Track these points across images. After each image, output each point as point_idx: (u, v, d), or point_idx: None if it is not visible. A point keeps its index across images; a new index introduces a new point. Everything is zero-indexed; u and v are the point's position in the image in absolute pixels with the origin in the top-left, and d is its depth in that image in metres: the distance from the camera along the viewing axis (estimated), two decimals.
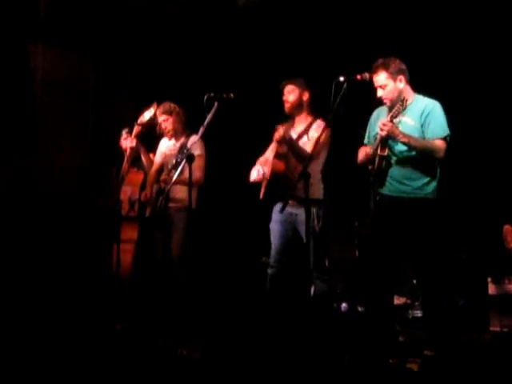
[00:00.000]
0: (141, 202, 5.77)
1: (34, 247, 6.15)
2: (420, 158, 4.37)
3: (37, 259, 6.10)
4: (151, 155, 5.94)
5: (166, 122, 5.68)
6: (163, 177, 5.39)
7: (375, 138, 4.48)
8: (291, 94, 5.25)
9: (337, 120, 4.37)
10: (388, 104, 4.47)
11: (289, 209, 4.89)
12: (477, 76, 5.91)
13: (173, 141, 5.74)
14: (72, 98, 6.68)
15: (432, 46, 5.95)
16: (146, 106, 5.73)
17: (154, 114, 5.68)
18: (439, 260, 4.44)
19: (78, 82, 6.72)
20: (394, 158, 4.44)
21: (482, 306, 5.45)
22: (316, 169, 5.04)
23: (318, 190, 5.10)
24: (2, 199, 6.17)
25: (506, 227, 5.66)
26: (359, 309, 5.73)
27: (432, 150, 4.35)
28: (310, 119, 5.27)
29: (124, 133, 5.87)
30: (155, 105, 5.68)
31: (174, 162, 4.94)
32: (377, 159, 4.41)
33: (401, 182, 4.43)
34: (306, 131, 5.21)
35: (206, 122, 4.77)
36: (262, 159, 5.34)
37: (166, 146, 5.78)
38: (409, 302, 5.71)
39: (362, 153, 4.59)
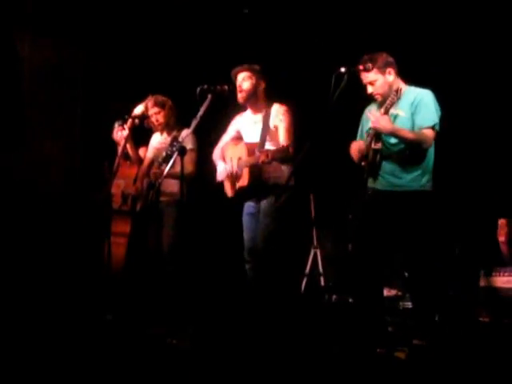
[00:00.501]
0: (133, 196, 5.77)
1: (26, 241, 6.14)
2: (412, 149, 4.36)
3: (29, 253, 6.10)
4: (141, 149, 5.96)
5: (157, 114, 5.64)
6: (154, 170, 5.36)
7: (368, 135, 4.47)
8: (246, 81, 5.05)
9: (335, 112, 4.32)
10: (380, 99, 4.45)
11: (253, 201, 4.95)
12: (471, 68, 5.90)
13: (164, 135, 5.71)
14: (61, 88, 6.61)
15: (426, 37, 5.95)
16: (140, 98, 5.73)
17: (146, 107, 5.67)
18: (433, 252, 4.45)
19: (67, 73, 6.63)
20: (386, 152, 4.42)
21: (473, 297, 5.48)
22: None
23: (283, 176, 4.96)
24: None
25: (501, 221, 5.68)
26: (350, 300, 5.76)
27: (420, 140, 4.32)
28: (266, 106, 5.10)
29: (117, 125, 5.87)
30: (150, 97, 5.68)
31: (164, 154, 4.94)
32: (370, 153, 4.40)
33: (394, 175, 4.42)
34: (265, 119, 5.05)
35: (198, 115, 4.72)
36: (218, 153, 5.27)
37: (158, 140, 5.75)
38: (400, 293, 5.74)
39: (355, 148, 4.53)
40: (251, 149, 4.94)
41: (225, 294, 5.75)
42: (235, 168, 5.04)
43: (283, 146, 4.70)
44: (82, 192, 6.41)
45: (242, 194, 5.07)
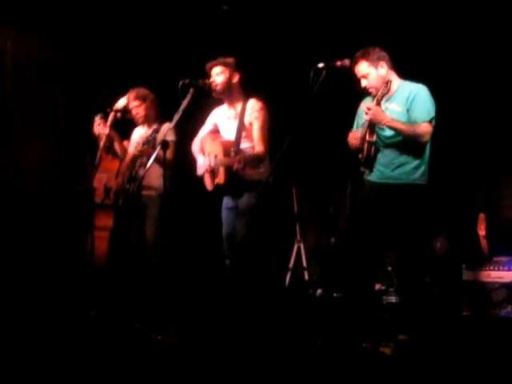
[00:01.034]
0: (115, 191, 5.73)
1: (7, 236, 6.07)
2: (407, 142, 4.36)
3: (10, 248, 6.04)
4: (125, 142, 5.93)
5: (138, 107, 5.59)
6: (139, 148, 5.34)
7: (363, 127, 4.47)
8: (220, 75, 5.00)
9: (315, 107, 4.32)
10: (374, 93, 4.44)
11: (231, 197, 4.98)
12: (459, 65, 5.94)
13: (145, 128, 5.66)
14: (43, 82, 6.53)
15: (418, 31, 5.96)
16: (123, 92, 5.69)
17: (128, 100, 5.63)
18: (422, 246, 4.48)
19: (49, 67, 6.56)
20: (381, 144, 4.44)
21: (456, 291, 5.51)
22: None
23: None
24: None
25: (481, 215, 5.71)
26: (334, 294, 5.76)
27: (418, 134, 4.33)
28: (241, 101, 5.07)
29: (97, 119, 5.83)
30: (131, 90, 5.64)
31: (145, 140, 4.89)
32: (365, 145, 4.40)
33: (389, 167, 4.42)
34: (241, 116, 5.03)
35: (180, 109, 4.71)
36: (197, 146, 5.25)
37: (139, 134, 5.68)
38: (383, 288, 5.75)
39: (353, 137, 4.53)
40: (226, 148, 4.97)
41: (209, 288, 5.72)
42: (212, 164, 5.04)
43: (256, 155, 4.86)
44: (63, 186, 6.36)
45: (220, 191, 5.09)
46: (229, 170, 4.88)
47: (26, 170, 6.31)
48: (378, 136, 4.41)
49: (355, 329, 4.39)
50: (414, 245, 4.38)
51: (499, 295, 5.42)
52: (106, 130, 5.75)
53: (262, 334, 4.53)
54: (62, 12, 6.37)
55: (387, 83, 4.30)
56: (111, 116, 5.75)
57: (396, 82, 4.47)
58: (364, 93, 4.56)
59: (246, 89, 5.15)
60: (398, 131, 4.34)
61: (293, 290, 6.34)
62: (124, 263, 5.57)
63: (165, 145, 4.73)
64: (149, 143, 5.20)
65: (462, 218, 5.95)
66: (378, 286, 5.73)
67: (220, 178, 4.97)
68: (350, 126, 4.67)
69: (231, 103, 5.12)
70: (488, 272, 5.57)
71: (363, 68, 4.42)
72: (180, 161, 5.47)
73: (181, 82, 4.74)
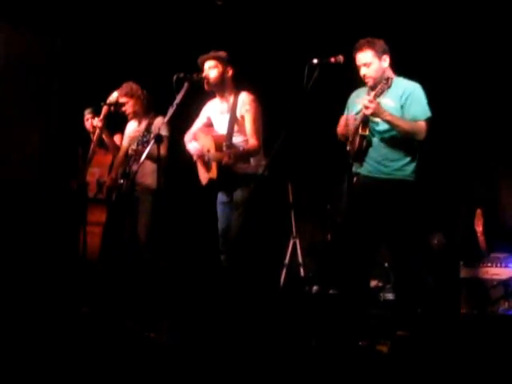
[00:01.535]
0: (109, 186, 5.71)
1: None
2: (400, 138, 4.35)
3: (1, 242, 5.99)
4: (116, 136, 5.90)
5: (126, 104, 5.60)
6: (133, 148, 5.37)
7: (356, 119, 4.44)
8: (212, 70, 4.98)
9: (309, 102, 4.29)
10: (371, 83, 4.42)
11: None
12: (461, 60, 5.90)
13: (137, 123, 5.68)
14: (35, 76, 6.53)
15: (413, 27, 5.92)
16: (116, 86, 5.65)
17: (118, 95, 5.61)
18: (415, 242, 4.44)
19: (41, 61, 6.55)
20: (373, 139, 4.42)
21: (453, 288, 5.47)
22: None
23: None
24: None
25: (478, 211, 5.69)
26: (330, 291, 5.73)
27: (414, 131, 4.32)
28: (233, 95, 5.06)
29: (87, 113, 5.83)
30: (123, 85, 5.62)
31: (140, 139, 4.83)
32: (357, 138, 4.38)
33: (380, 162, 4.41)
34: (233, 109, 5.02)
35: (175, 103, 4.66)
36: (190, 138, 5.23)
37: (132, 129, 5.71)
38: (380, 284, 5.73)
39: (343, 122, 4.53)
40: (219, 143, 4.97)
41: (203, 284, 5.68)
42: (206, 159, 5.07)
43: (248, 149, 4.89)
44: (56, 180, 6.33)
45: (214, 185, 5.09)
46: (221, 164, 4.87)
47: (18, 165, 6.31)
48: (371, 130, 4.39)
49: (351, 326, 4.37)
50: (405, 241, 4.37)
51: (498, 292, 5.38)
52: (100, 124, 5.70)
53: (257, 331, 4.49)
54: (53, 6, 6.36)
55: (388, 80, 4.25)
56: (104, 109, 5.71)
57: (392, 77, 4.41)
58: (355, 84, 4.55)
59: (239, 83, 5.13)
60: (395, 127, 4.31)
61: (288, 287, 6.31)
62: (117, 259, 5.54)
63: (159, 139, 4.69)
64: (143, 144, 5.19)
65: (459, 213, 5.92)
66: (374, 283, 5.71)
67: (213, 173, 4.98)
68: None
69: (223, 97, 5.10)
70: (486, 269, 5.53)
71: (367, 56, 4.39)
72: (173, 156, 5.44)
73: (175, 76, 4.69)
